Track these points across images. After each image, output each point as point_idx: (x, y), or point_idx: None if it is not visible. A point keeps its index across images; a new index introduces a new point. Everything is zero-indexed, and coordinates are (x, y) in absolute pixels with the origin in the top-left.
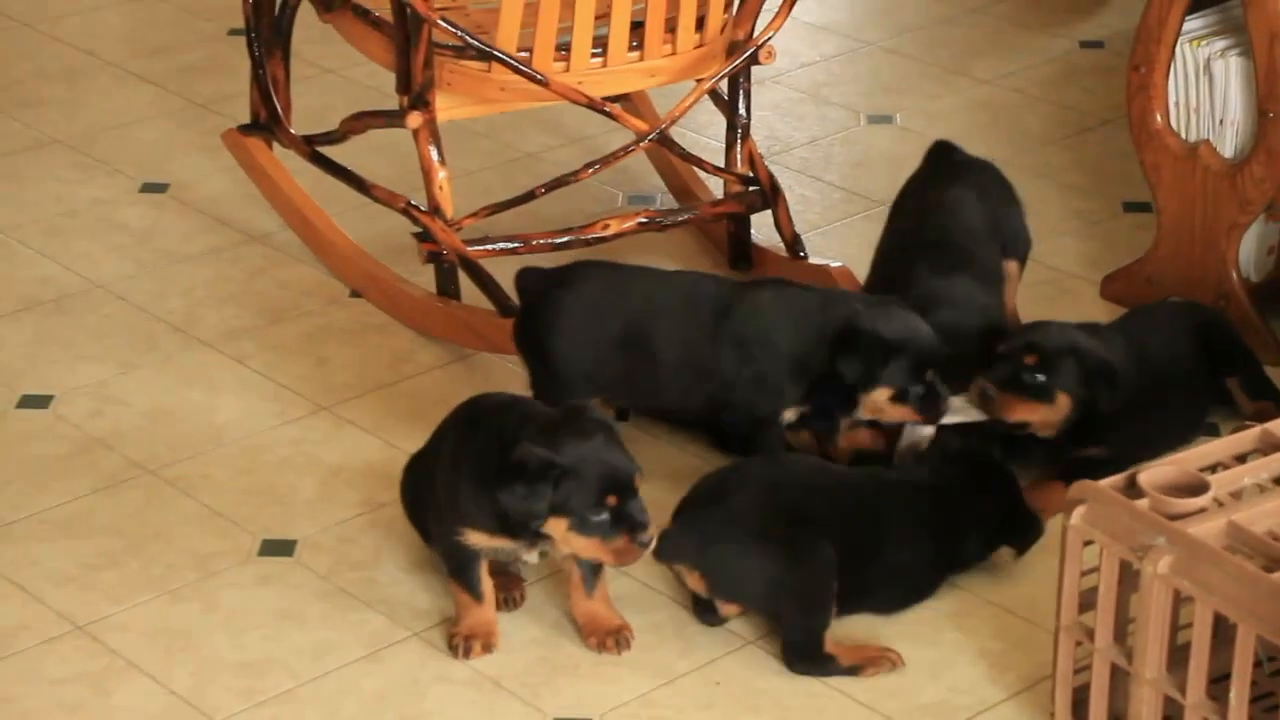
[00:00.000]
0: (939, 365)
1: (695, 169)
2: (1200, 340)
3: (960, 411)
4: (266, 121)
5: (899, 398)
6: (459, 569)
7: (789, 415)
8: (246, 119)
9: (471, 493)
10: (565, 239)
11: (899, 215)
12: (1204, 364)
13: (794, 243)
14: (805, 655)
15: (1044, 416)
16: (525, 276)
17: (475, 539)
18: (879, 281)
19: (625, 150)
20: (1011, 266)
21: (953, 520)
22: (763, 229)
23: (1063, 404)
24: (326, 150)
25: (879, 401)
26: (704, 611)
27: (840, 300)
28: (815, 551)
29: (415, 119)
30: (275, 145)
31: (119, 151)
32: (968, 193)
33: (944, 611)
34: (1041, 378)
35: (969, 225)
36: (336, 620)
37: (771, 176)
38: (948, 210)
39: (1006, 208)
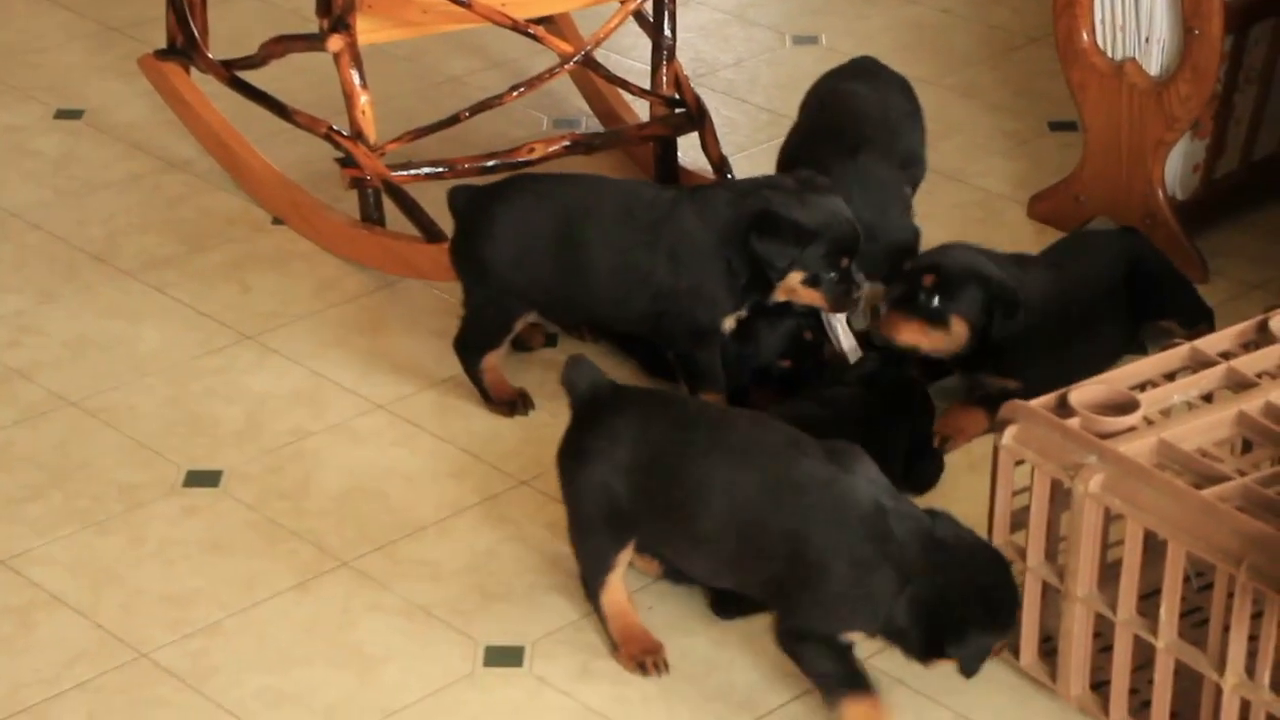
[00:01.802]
0: (854, 253)
1: (620, 91)
2: (1129, 276)
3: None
4: (183, 46)
5: (811, 282)
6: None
7: (728, 324)
8: (163, 44)
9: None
10: (490, 163)
11: (804, 109)
12: (1130, 300)
13: (721, 165)
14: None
15: (935, 342)
16: (457, 194)
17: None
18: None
19: (550, 73)
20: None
21: (874, 445)
22: (689, 151)
23: (958, 331)
24: (246, 75)
25: (792, 283)
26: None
27: (762, 186)
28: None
29: (336, 42)
30: (193, 70)
31: (31, 77)
32: (873, 92)
33: None
34: (936, 300)
35: (869, 115)
36: (265, 551)
37: (697, 98)
38: (850, 100)
39: (908, 121)
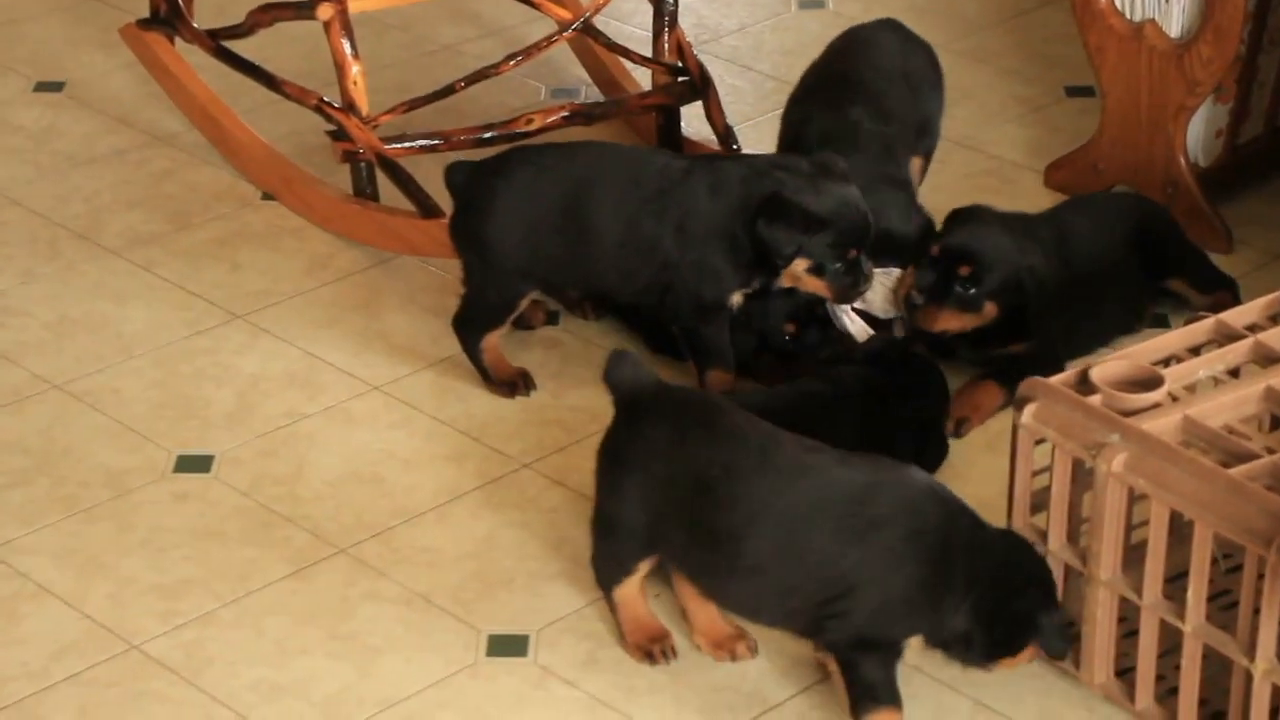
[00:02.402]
0: (864, 245)
1: (621, 59)
2: (1136, 237)
3: (876, 306)
4: (167, 15)
5: (816, 271)
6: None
7: (735, 300)
8: (145, 13)
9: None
10: (487, 135)
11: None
12: (1138, 261)
13: (726, 135)
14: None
15: (967, 324)
16: (455, 171)
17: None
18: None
19: (548, 40)
20: (915, 162)
21: (882, 424)
22: (693, 121)
23: (989, 313)
24: (232, 45)
25: (797, 271)
26: None
27: (777, 168)
28: None
29: (326, 10)
30: (177, 40)
31: (10, 49)
32: (895, 50)
33: None
34: (973, 290)
35: (890, 69)
36: (259, 538)
37: (701, 66)
38: (871, 52)
39: (928, 87)
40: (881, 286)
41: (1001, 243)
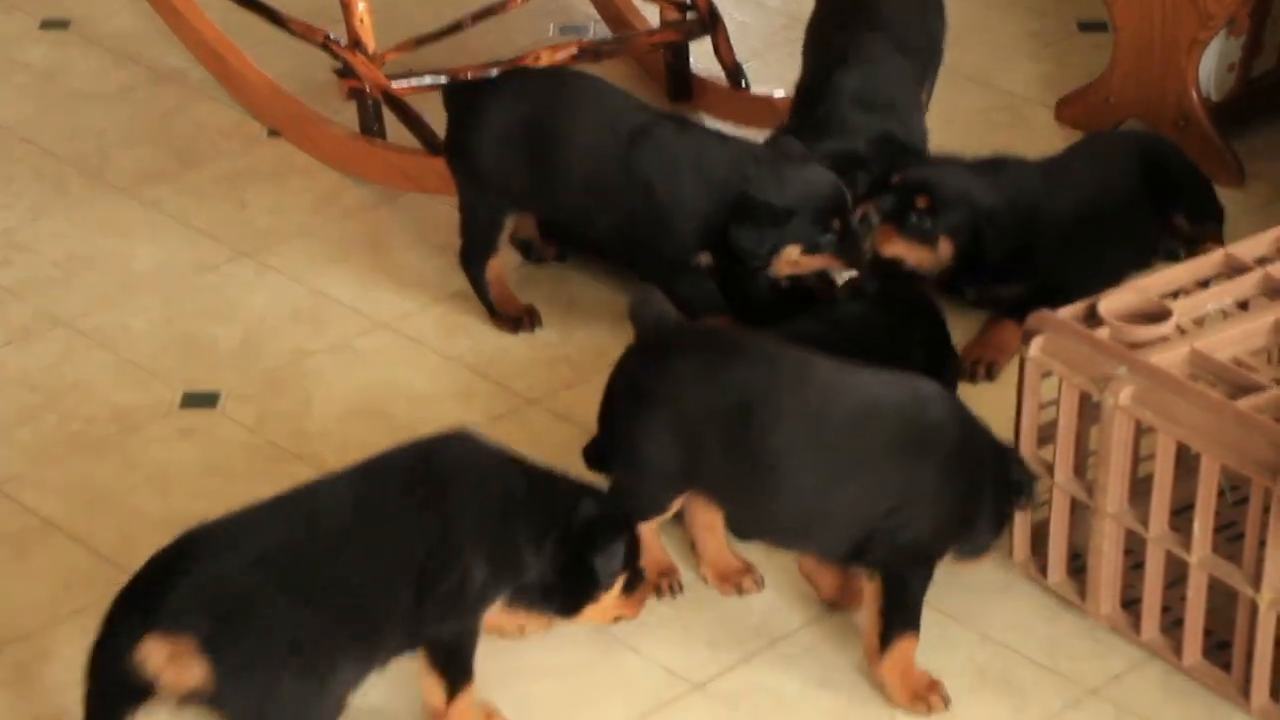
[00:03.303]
0: (844, 211)
1: None
2: (1143, 173)
3: None
4: None
5: (810, 250)
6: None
7: (702, 259)
8: None
9: None
10: (495, 72)
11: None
12: (1147, 198)
13: (734, 72)
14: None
15: (921, 259)
16: (451, 89)
17: None
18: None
19: None
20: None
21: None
22: (702, 58)
23: (945, 250)
24: None
25: (792, 257)
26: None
27: (737, 158)
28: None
29: None
30: None
31: None
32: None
33: None
34: (928, 223)
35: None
36: (265, 473)
37: (709, 2)
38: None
39: (935, 12)
40: None
41: (962, 183)
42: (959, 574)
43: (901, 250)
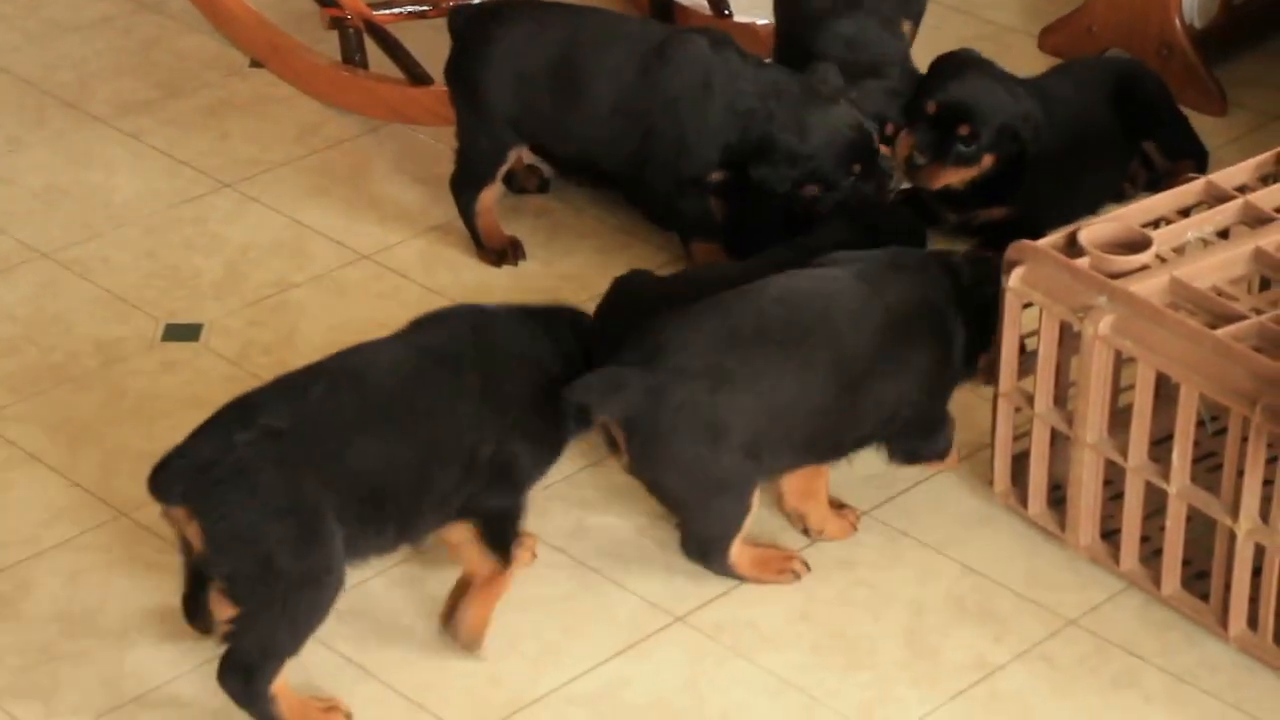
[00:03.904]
0: (867, 155)
1: None
2: (1117, 100)
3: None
4: None
5: (830, 189)
6: None
7: (715, 176)
8: None
9: None
10: (478, 1)
11: None
12: (1120, 125)
13: (719, 1)
14: (705, 552)
15: (966, 178)
16: (457, 13)
17: None
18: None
19: None
20: (906, 25)
21: None
22: None
23: (987, 164)
24: None
25: (811, 194)
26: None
27: (766, 89)
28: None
29: None
30: None
31: None
32: None
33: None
34: (974, 146)
35: None
36: None
37: None
38: None
39: None
40: None
41: (996, 93)
42: (942, 505)
43: (950, 178)
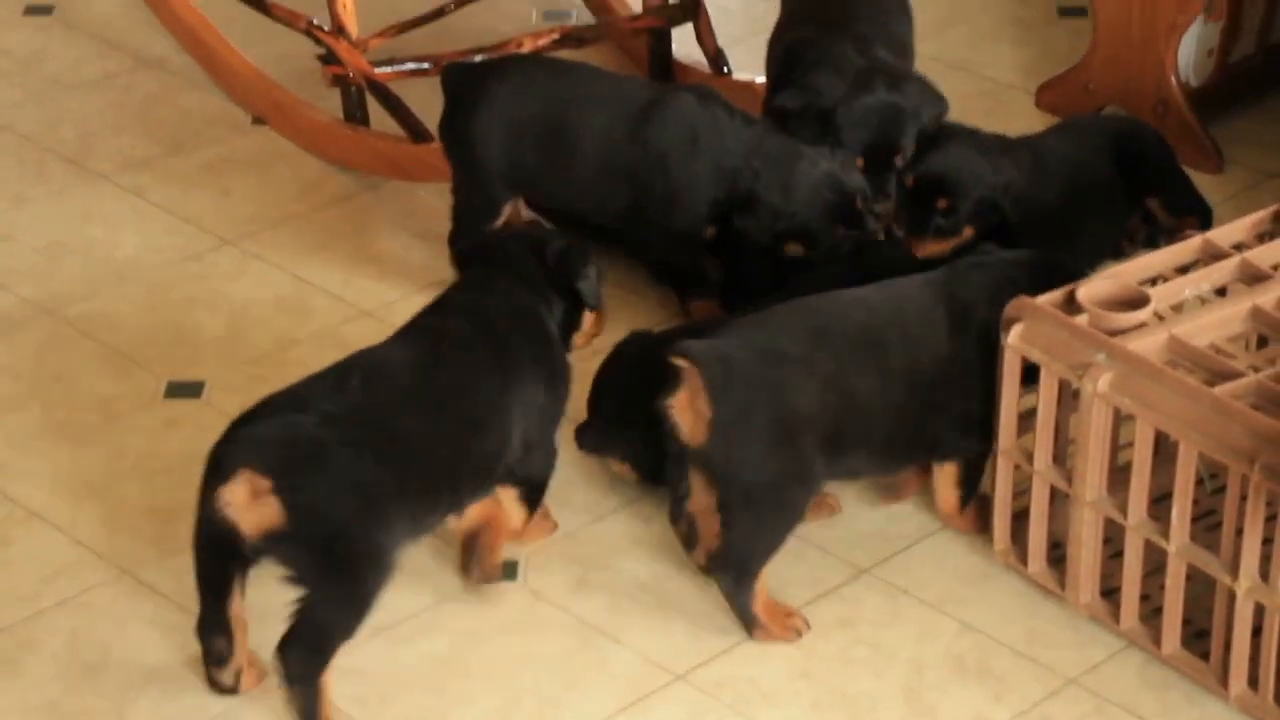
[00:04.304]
0: (847, 216)
1: None
2: (1119, 157)
3: None
4: None
5: (811, 246)
6: None
7: (708, 233)
8: None
9: None
10: (478, 58)
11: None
12: (1123, 182)
13: (717, 57)
14: (742, 568)
15: (949, 247)
16: (450, 71)
17: None
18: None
19: None
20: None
21: None
22: (684, 44)
23: (967, 236)
24: None
25: (795, 251)
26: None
27: (753, 147)
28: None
29: None
30: None
31: None
32: None
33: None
34: (953, 219)
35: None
36: None
37: None
38: None
39: (898, 7)
40: None
41: (974, 166)
42: (942, 562)
43: (932, 249)
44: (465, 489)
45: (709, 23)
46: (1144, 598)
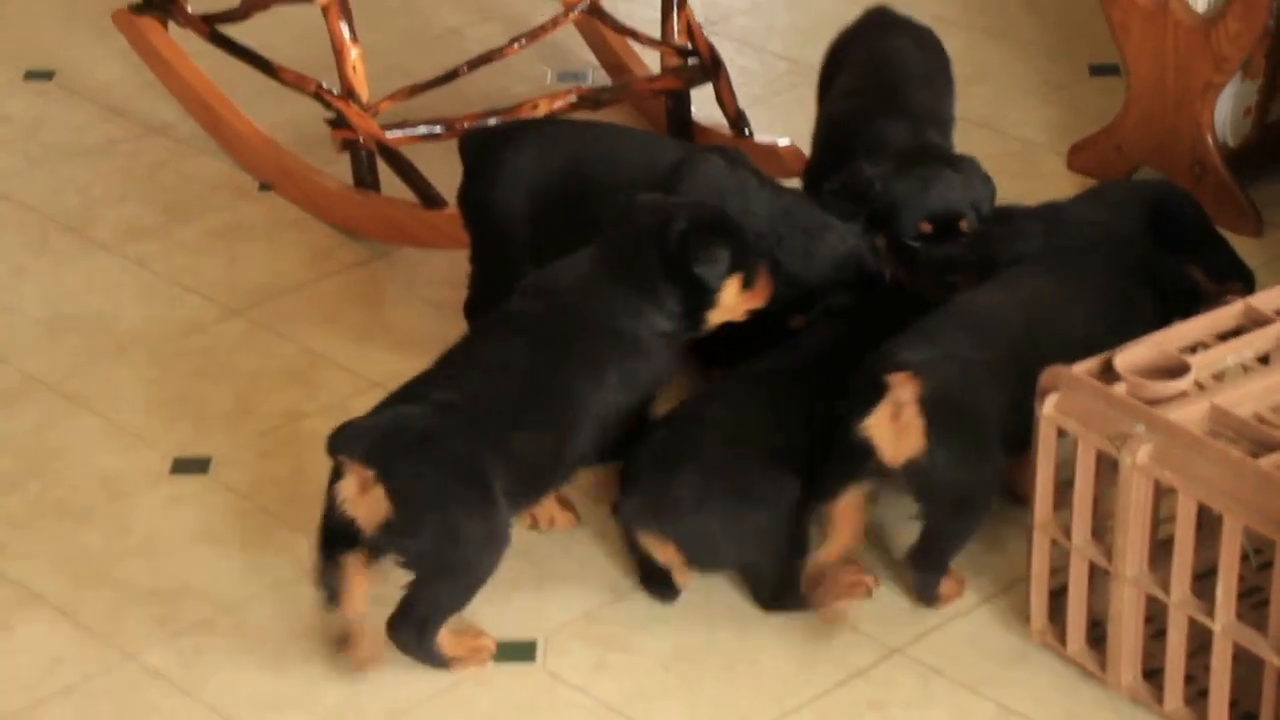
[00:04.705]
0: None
1: (629, 41)
2: (1155, 223)
3: None
4: None
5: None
6: None
7: None
8: None
9: None
10: (491, 121)
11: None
12: (1159, 248)
13: (737, 119)
14: (781, 596)
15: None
16: (468, 137)
17: None
18: (826, 155)
19: (554, 23)
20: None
21: None
22: (704, 105)
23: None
24: (228, 30)
25: (798, 324)
26: (658, 585)
27: (778, 214)
28: (789, 491)
29: None
30: (171, 25)
31: None
32: (911, 45)
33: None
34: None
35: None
36: (259, 542)
37: (711, 48)
38: (897, 61)
39: (941, 79)
40: None
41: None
42: (977, 642)
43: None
44: (556, 477)
45: (729, 83)
46: (1189, 679)
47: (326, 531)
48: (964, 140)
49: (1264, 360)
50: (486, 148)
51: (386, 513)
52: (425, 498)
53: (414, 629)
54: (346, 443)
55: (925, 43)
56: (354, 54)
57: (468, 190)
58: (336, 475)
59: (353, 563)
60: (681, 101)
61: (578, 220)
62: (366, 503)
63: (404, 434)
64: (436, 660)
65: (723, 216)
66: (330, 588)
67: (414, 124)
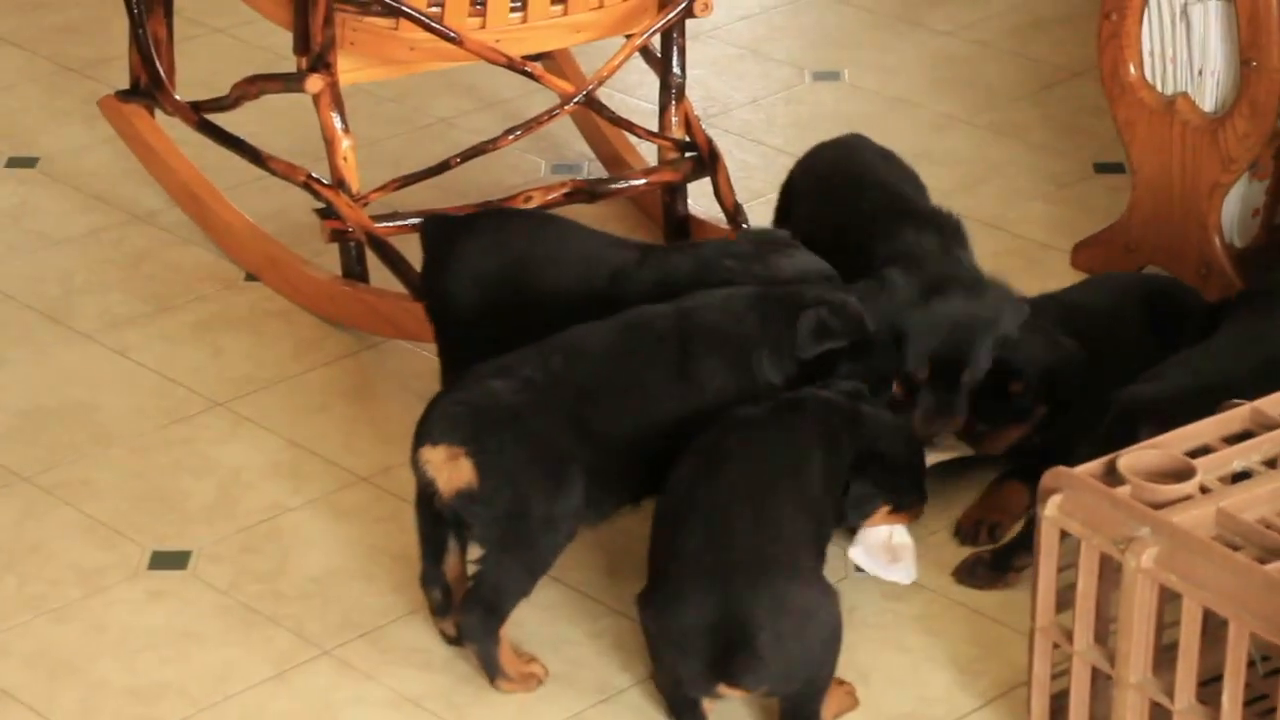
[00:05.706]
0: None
1: (626, 134)
2: (1149, 316)
3: (947, 449)
4: (148, 86)
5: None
6: None
7: None
8: (125, 84)
9: None
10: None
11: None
12: (1152, 342)
13: (735, 213)
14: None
15: (1026, 430)
16: (429, 223)
17: None
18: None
19: (549, 114)
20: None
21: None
22: (701, 199)
23: (1039, 413)
24: (216, 118)
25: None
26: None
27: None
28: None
29: (315, 82)
30: (158, 113)
31: None
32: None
33: (910, 614)
34: (1028, 401)
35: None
36: (238, 638)
37: (709, 141)
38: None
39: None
40: None
41: (1035, 346)
42: None
43: (1014, 437)
44: (638, 485)
45: (728, 177)
46: None
47: (420, 504)
48: (970, 240)
49: (1271, 464)
50: (441, 234)
51: (468, 480)
52: (507, 472)
53: (480, 609)
54: (435, 423)
55: (894, 159)
56: (345, 144)
57: (424, 278)
58: (419, 443)
59: (453, 565)
60: (678, 195)
61: (520, 315)
62: (450, 470)
63: (494, 410)
64: (491, 661)
65: (843, 304)
66: (436, 600)
67: (404, 215)
